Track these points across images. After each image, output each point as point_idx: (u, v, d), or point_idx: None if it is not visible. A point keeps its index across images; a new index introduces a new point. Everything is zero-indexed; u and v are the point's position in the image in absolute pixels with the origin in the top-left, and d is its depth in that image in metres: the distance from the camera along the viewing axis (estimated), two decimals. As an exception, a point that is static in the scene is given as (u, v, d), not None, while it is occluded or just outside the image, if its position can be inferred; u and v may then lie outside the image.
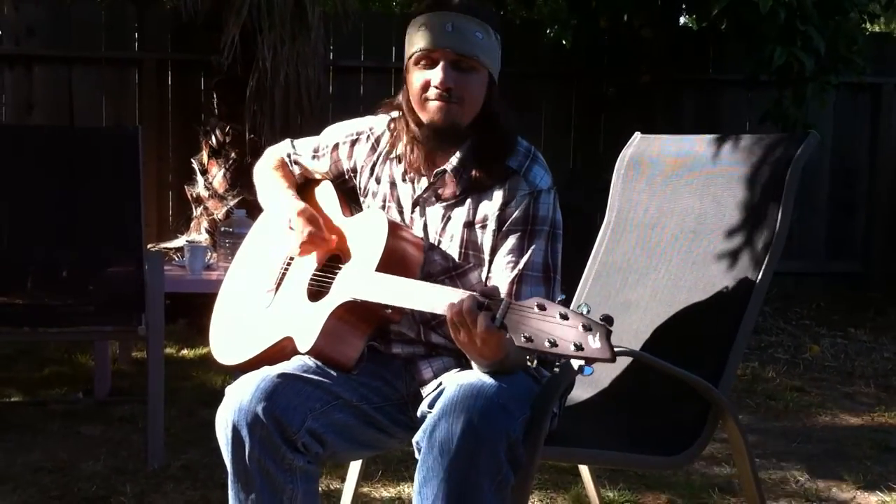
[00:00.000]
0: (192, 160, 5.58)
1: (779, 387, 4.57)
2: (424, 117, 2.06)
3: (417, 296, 1.90)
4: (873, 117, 6.90)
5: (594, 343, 1.61)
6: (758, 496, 2.28)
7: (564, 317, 1.65)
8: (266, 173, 2.34)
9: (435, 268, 2.08)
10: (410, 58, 2.06)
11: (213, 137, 5.47)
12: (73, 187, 3.75)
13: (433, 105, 2.03)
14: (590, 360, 1.62)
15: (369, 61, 6.40)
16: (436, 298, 1.85)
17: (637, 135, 2.77)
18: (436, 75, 2.01)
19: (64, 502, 3.01)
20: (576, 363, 1.64)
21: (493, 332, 1.73)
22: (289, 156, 2.35)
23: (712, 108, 6.71)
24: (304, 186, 2.35)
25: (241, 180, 5.28)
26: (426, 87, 2.03)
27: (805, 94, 5.50)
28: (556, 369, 1.95)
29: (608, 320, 1.63)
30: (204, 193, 5.50)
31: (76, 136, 4.29)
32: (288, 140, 2.38)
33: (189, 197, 5.59)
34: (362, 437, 2.07)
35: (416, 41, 2.04)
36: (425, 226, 2.12)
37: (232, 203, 5.33)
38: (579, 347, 1.62)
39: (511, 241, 2.05)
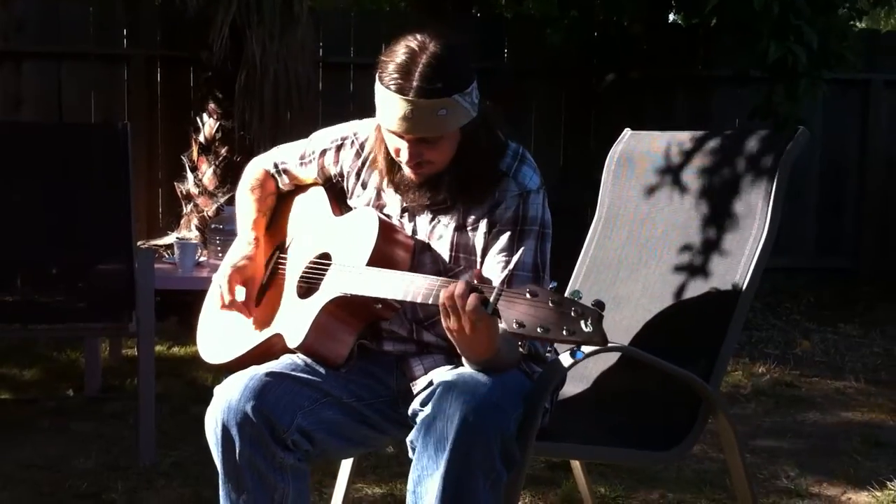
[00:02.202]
0: (182, 157, 5.56)
1: (769, 382, 4.58)
2: (402, 170, 2.05)
3: (408, 286, 1.90)
4: (863, 113, 6.92)
5: (586, 328, 1.63)
6: (749, 491, 2.29)
7: (556, 303, 1.66)
8: (242, 196, 2.33)
9: (425, 270, 2.07)
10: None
11: (203, 134, 5.46)
12: (63, 184, 3.73)
13: (407, 169, 2.02)
14: (582, 345, 1.64)
15: (359, 58, 6.38)
16: (427, 288, 1.85)
17: (627, 131, 2.77)
18: (403, 152, 1.98)
19: (55, 499, 3.01)
20: (567, 347, 1.65)
21: (483, 316, 1.74)
22: (275, 165, 2.33)
23: (702, 104, 6.72)
24: (295, 189, 2.34)
25: (230, 177, 5.26)
26: (397, 153, 2.01)
27: (798, 89, 5.50)
28: (549, 354, 1.96)
29: (600, 305, 1.65)
30: (194, 190, 5.49)
31: (65, 132, 4.26)
32: (274, 149, 2.36)
33: (179, 194, 5.58)
34: (352, 435, 2.07)
35: (381, 111, 1.97)
36: (414, 230, 2.12)
37: (222, 200, 5.32)
38: (571, 332, 1.63)
39: (501, 241, 2.04)
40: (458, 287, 1.77)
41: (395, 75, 1.92)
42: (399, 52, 1.95)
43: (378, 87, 1.97)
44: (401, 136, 1.97)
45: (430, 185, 2.04)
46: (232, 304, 2.13)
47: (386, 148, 2.06)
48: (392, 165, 2.08)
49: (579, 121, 6.67)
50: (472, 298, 1.75)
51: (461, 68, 1.97)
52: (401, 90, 1.91)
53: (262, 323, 2.14)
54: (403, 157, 1.99)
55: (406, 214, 2.13)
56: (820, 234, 6.95)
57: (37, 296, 3.48)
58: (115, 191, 3.68)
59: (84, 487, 3.08)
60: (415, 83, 1.90)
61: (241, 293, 2.15)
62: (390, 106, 1.94)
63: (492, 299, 1.72)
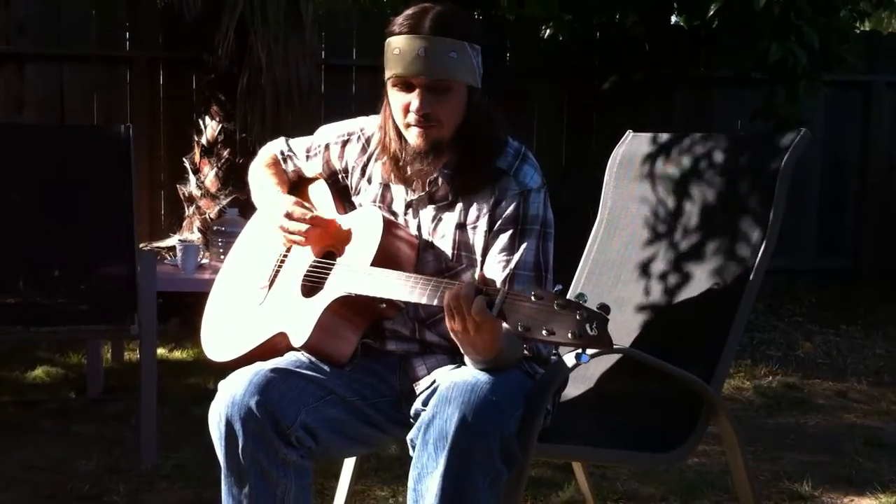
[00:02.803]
0: (184, 159, 5.56)
1: (771, 384, 4.58)
2: (408, 139, 2.06)
3: (413, 287, 1.90)
4: (864, 115, 6.90)
5: (591, 331, 1.63)
6: (751, 493, 2.29)
7: (562, 305, 1.66)
8: (259, 172, 2.35)
9: (428, 268, 2.08)
10: (389, 79, 2.05)
11: (205, 136, 5.46)
12: (65, 186, 3.74)
13: (414, 130, 2.04)
14: (587, 348, 1.64)
15: (361, 60, 6.38)
16: (432, 288, 1.86)
17: (629, 133, 2.77)
18: (413, 102, 2.01)
19: (57, 501, 3.01)
20: (572, 350, 1.66)
21: (487, 317, 1.74)
22: (282, 153, 2.35)
23: (704, 105, 6.71)
24: (298, 184, 2.35)
25: (233, 179, 5.27)
26: (406, 110, 2.03)
27: (798, 90, 5.50)
28: (554, 357, 1.97)
29: (605, 309, 1.65)
30: (196, 192, 5.49)
31: (67, 134, 4.27)
32: (282, 138, 2.38)
33: (181, 196, 5.58)
34: (355, 434, 2.08)
35: (391, 64, 2.02)
36: (419, 227, 2.13)
37: (224, 202, 5.32)
38: (576, 336, 1.63)
39: (502, 240, 2.05)
40: (464, 288, 1.78)
41: (409, 21, 2.00)
42: (411, 9, 2.03)
43: (388, 40, 2.01)
44: (410, 87, 2.00)
45: (435, 151, 2.05)
46: (314, 220, 2.13)
47: (396, 125, 2.07)
48: (400, 140, 2.07)
49: (581, 121, 6.67)
50: (477, 300, 1.75)
51: (472, 27, 2.05)
52: (414, 29, 1.98)
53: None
54: (413, 107, 2.01)
55: (410, 210, 2.13)
56: (822, 236, 6.94)
57: (39, 298, 3.49)
58: (117, 193, 3.69)
59: (85, 489, 3.08)
60: (428, 22, 1.98)
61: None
62: (403, 49, 1.99)
63: (497, 301, 1.72)
